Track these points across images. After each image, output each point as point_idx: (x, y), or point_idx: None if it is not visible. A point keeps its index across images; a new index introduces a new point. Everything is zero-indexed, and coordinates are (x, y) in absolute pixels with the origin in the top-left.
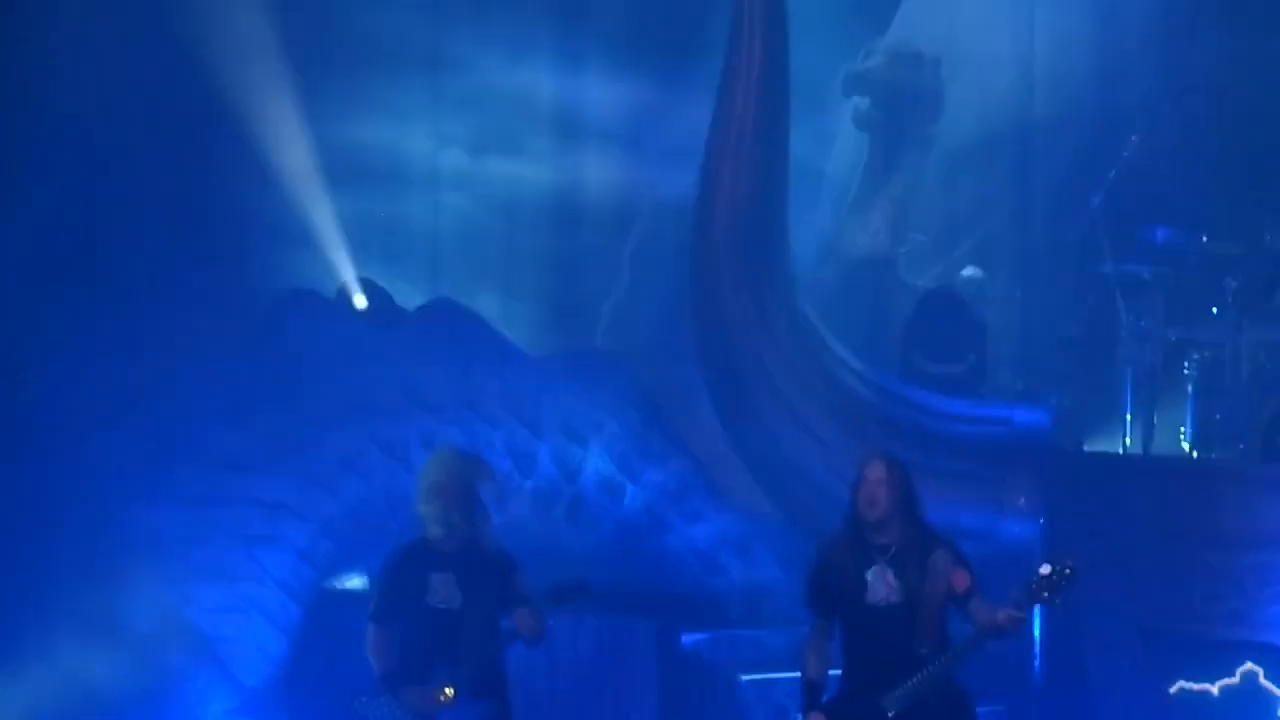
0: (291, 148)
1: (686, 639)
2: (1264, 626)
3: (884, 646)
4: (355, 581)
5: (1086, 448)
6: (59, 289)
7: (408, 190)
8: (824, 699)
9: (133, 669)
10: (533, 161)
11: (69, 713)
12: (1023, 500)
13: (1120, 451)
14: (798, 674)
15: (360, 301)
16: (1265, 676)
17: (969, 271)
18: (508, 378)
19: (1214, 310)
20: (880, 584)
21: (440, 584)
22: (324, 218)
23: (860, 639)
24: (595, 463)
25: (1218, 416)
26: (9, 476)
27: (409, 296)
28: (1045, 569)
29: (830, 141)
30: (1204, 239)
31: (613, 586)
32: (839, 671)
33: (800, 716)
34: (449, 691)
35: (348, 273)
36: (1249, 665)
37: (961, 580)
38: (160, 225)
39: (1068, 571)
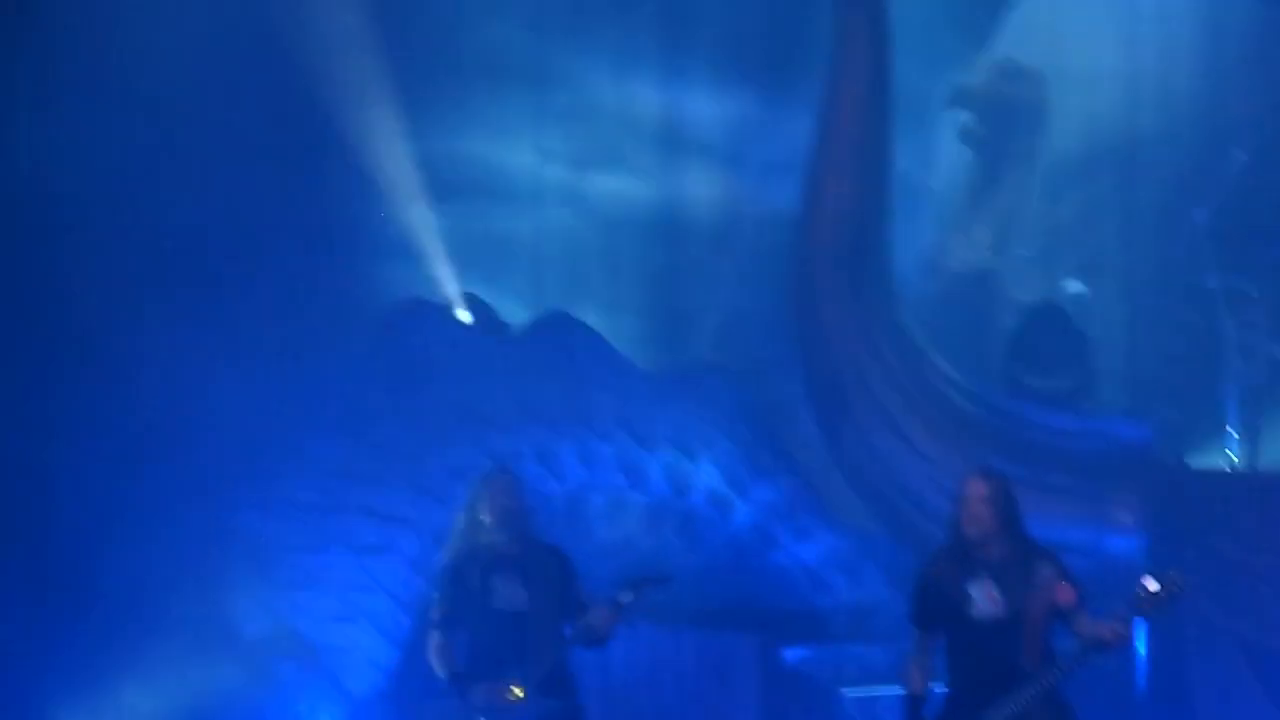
0: (398, 162)
1: (789, 654)
2: None
3: (988, 660)
4: None
5: (1192, 462)
6: (174, 297)
7: (511, 205)
8: (927, 713)
9: (242, 677)
10: (636, 176)
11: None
12: (1127, 515)
13: (1225, 467)
14: (900, 690)
15: (465, 316)
16: None
17: (1073, 286)
18: (619, 391)
19: None
20: (984, 598)
21: (503, 586)
22: (429, 232)
23: (964, 653)
24: (705, 478)
25: None
26: (125, 482)
27: (513, 311)
28: (1151, 583)
29: (934, 156)
30: None
31: (721, 603)
32: (943, 687)
33: None
34: (518, 691)
35: (453, 287)
36: None
37: (1066, 594)
38: (272, 235)
39: (1174, 586)
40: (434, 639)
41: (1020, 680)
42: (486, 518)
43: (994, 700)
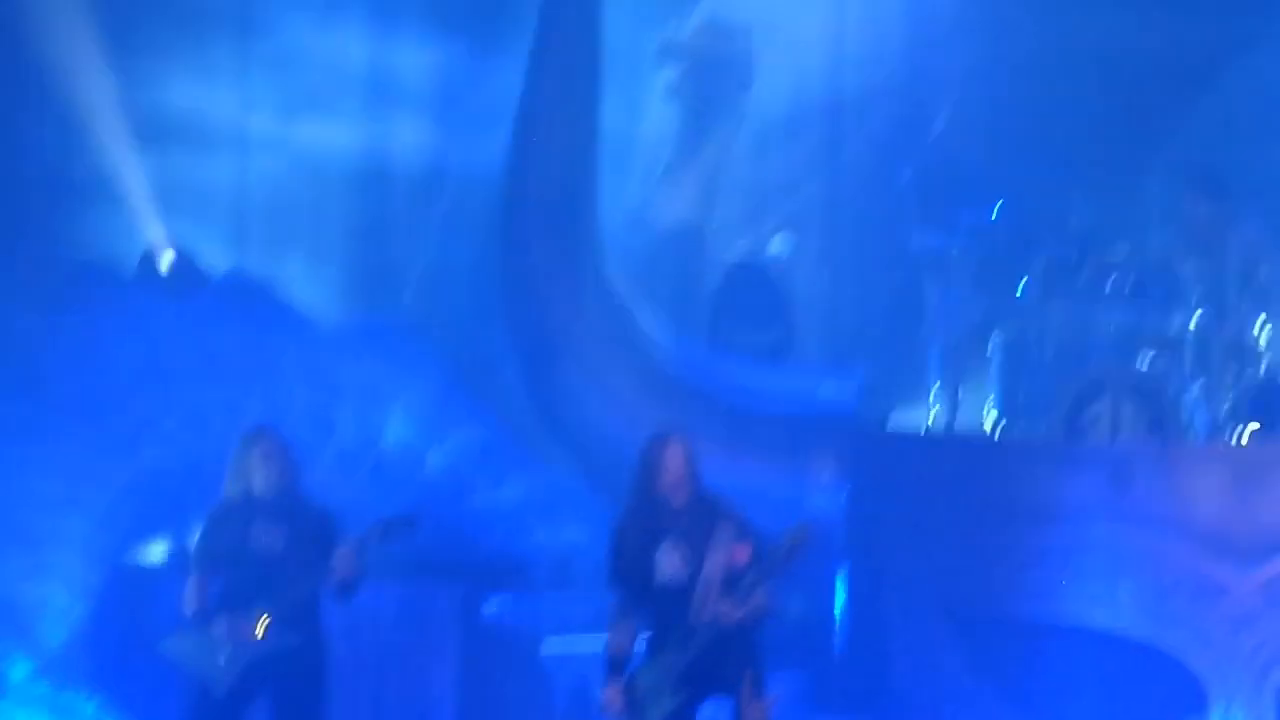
0: (99, 107)
1: (489, 603)
2: (1066, 602)
3: (674, 618)
4: (157, 549)
5: (892, 422)
6: None
7: (215, 152)
8: (629, 671)
9: None
10: (342, 125)
11: None
12: (826, 474)
13: (924, 427)
14: (602, 636)
15: (150, 270)
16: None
17: (778, 243)
18: (305, 345)
19: (1020, 287)
20: (669, 560)
21: (262, 533)
22: (130, 179)
23: (655, 612)
24: (396, 427)
25: (1023, 393)
26: None
27: (217, 260)
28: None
29: (643, 111)
30: (1008, 217)
31: (417, 550)
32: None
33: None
34: (263, 619)
35: (152, 234)
36: None
37: (742, 553)
38: None
39: (793, 541)
40: (191, 578)
41: (700, 635)
42: (252, 473)
43: (678, 655)
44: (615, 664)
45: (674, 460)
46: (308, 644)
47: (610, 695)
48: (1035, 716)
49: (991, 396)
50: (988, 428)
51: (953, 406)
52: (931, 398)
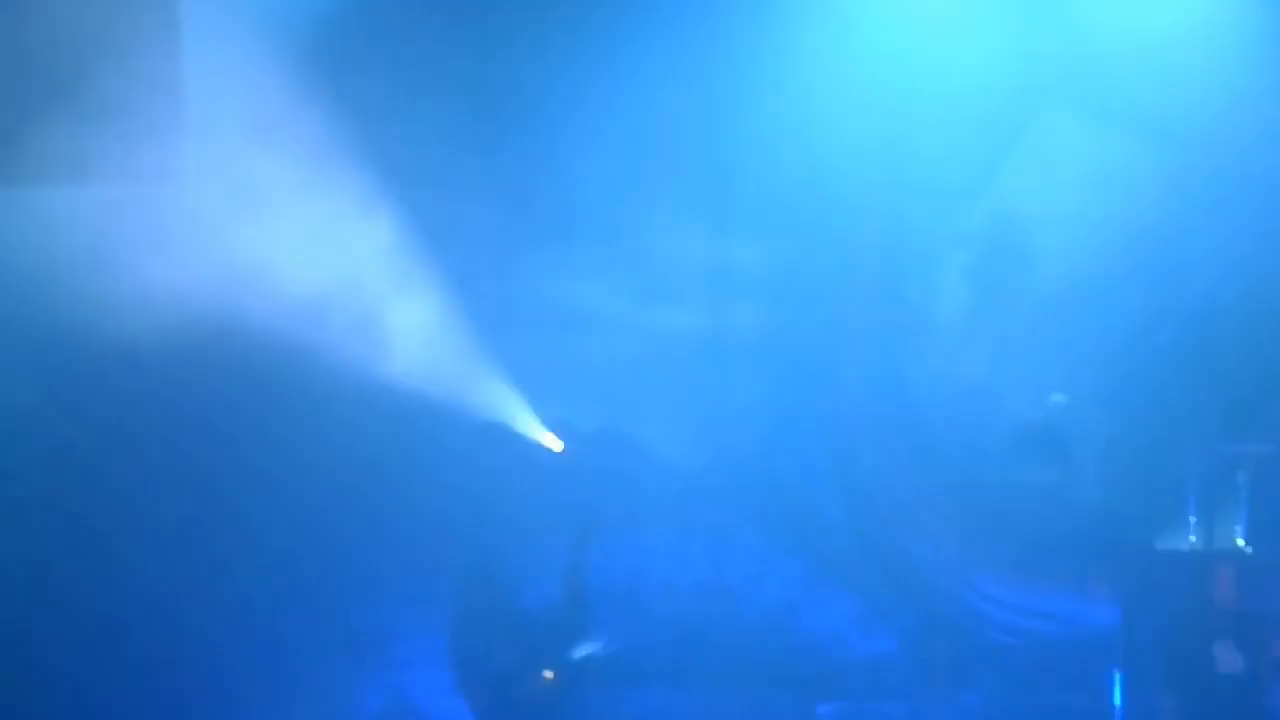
0: (487, 301)
1: (822, 709)
2: None
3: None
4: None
5: (1159, 543)
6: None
7: (585, 335)
8: None
9: None
10: (688, 309)
11: None
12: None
13: (1187, 547)
14: None
15: (535, 434)
16: None
17: (1057, 398)
18: (661, 488)
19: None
20: (1229, 658)
21: None
22: (517, 359)
23: (1214, 700)
24: (739, 559)
25: (1266, 518)
26: (265, 576)
27: (588, 422)
28: None
29: (940, 289)
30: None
31: (762, 663)
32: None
33: None
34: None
35: (534, 405)
36: None
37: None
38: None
39: None
40: None
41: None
42: None
43: None
44: None
45: (1228, 583)
46: None
47: None
48: None
49: (1240, 519)
50: (1239, 546)
51: (1209, 529)
52: (1191, 523)
